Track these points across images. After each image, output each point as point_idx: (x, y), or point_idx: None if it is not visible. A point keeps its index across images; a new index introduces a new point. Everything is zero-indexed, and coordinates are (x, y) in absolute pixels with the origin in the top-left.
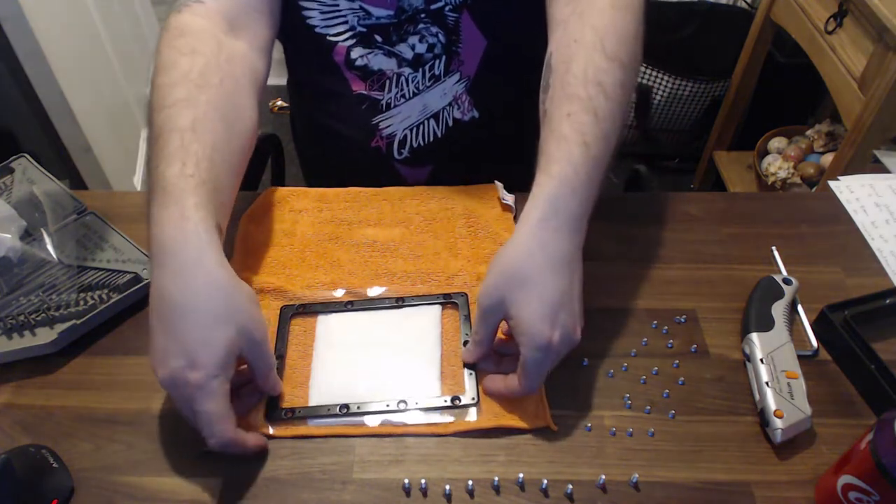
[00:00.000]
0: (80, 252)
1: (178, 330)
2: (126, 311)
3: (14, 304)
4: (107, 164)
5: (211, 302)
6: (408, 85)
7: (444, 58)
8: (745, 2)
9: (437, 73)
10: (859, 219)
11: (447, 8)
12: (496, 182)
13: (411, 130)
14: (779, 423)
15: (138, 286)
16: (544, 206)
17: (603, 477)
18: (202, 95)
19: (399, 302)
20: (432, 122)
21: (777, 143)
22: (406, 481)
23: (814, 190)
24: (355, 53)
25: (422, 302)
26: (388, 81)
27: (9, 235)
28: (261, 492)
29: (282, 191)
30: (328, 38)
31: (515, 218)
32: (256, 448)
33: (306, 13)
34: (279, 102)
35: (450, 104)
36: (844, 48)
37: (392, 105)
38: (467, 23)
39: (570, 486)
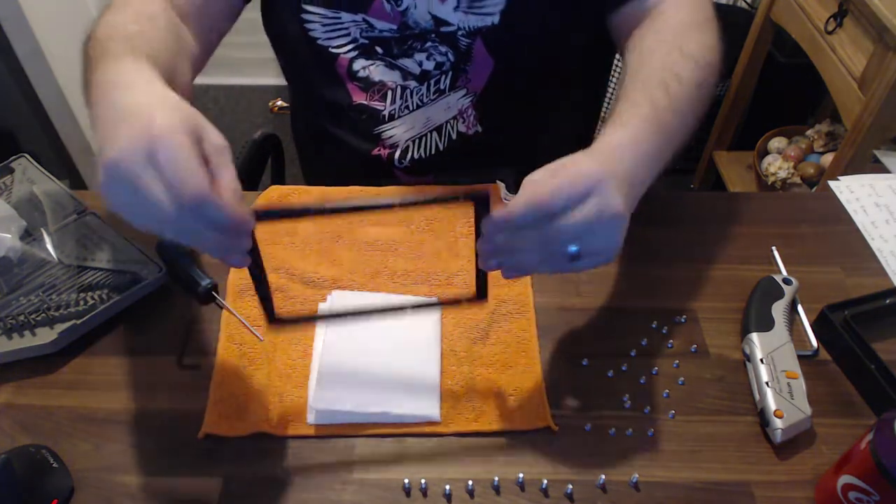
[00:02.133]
0: (80, 252)
1: (129, 106)
2: (126, 311)
3: (14, 304)
4: None
5: (156, 94)
6: (412, 97)
7: (450, 74)
8: (745, 2)
9: (442, 87)
10: (859, 219)
11: (460, 33)
12: (498, 182)
13: (413, 142)
14: (779, 423)
15: (138, 286)
16: (614, 152)
17: (603, 477)
18: (153, 30)
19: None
20: (434, 134)
21: (777, 143)
22: (406, 481)
23: (814, 190)
24: (357, 65)
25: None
26: (389, 92)
27: (9, 235)
28: (261, 492)
29: (284, 189)
30: (330, 49)
31: None
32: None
33: (308, 25)
34: (279, 102)
35: (454, 118)
36: (844, 48)
37: (396, 116)
38: (479, 48)
39: (570, 486)
